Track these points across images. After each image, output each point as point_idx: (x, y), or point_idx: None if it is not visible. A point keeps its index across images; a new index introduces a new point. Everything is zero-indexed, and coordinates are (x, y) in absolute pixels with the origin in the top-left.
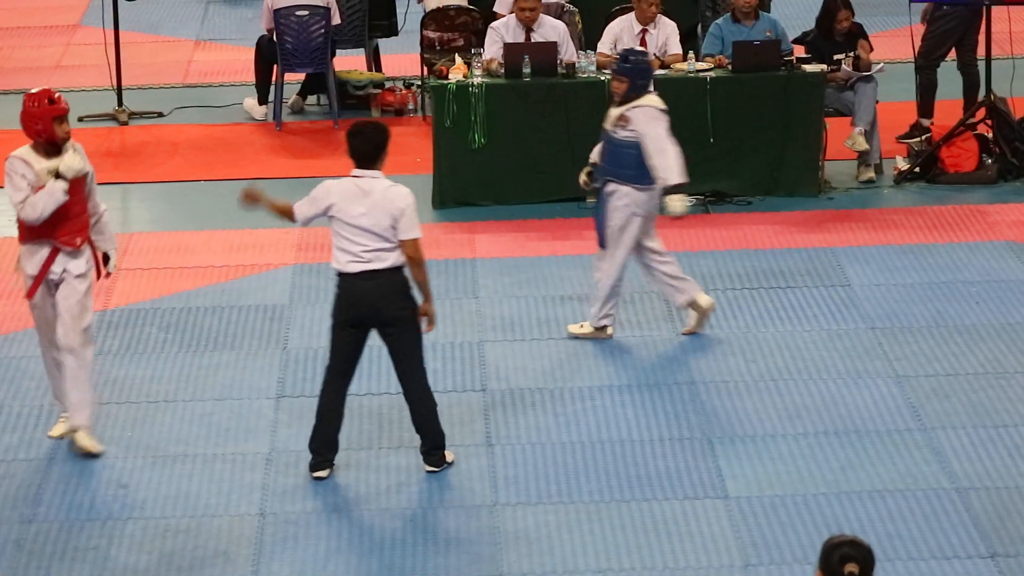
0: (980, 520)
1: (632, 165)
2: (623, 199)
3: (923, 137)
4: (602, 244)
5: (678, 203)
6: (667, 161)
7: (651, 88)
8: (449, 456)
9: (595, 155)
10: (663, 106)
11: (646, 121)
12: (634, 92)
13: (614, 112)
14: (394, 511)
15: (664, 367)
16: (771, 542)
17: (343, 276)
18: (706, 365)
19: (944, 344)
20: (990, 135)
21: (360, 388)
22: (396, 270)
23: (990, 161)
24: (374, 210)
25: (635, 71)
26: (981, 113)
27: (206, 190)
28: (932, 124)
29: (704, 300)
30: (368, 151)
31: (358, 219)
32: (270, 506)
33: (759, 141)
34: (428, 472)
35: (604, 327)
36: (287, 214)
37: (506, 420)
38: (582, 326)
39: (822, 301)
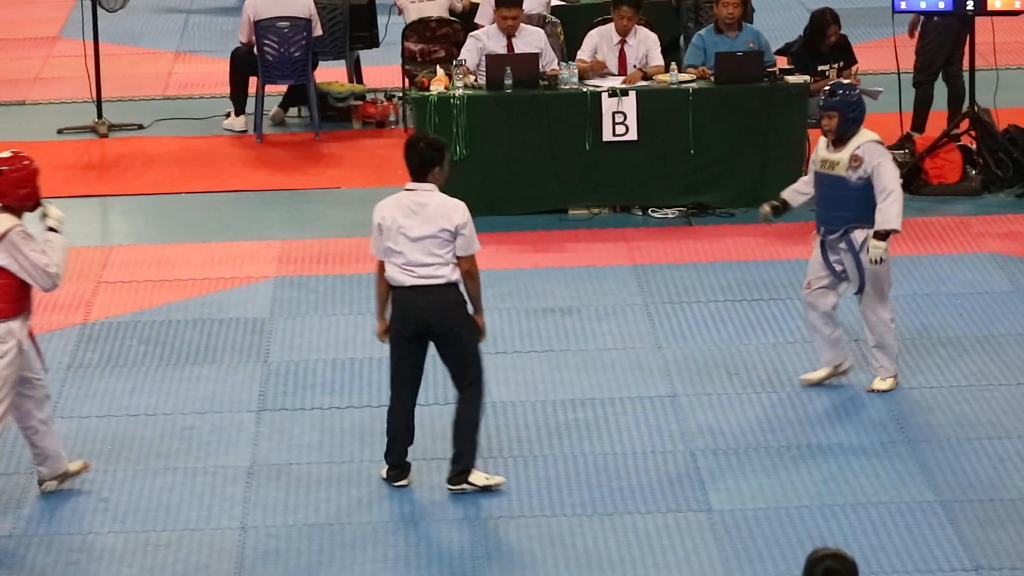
0: (964, 533)
1: (872, 206)
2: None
3: (907, 149)
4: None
5: (880, 250)
6: (896, 208)
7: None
8: (478, 479)
9: (791, 196)
10: (880, 138)
11: (878, 158)
12: (847, 128)
13: (839, 155)
14: (375, 524)
15: (646, 380)
16: (754, 555)
17: (399, 290)
18: (688, 377)
19: (928, 356)
20: (974, 146)
21: (342, 402)
22: (452, 285)
23: (974, 172)
24: (428, 224)
25: (844, 104)
26: (965, 124)
27: (186, 203)
28: (917, 136)
29: (846, 366)
30: (422, 165)
31: (412, 232)
32: (251, 519)
33: (742, 153)
34: (449, 491)
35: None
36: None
37: (488, 433)
38: (883, 380)
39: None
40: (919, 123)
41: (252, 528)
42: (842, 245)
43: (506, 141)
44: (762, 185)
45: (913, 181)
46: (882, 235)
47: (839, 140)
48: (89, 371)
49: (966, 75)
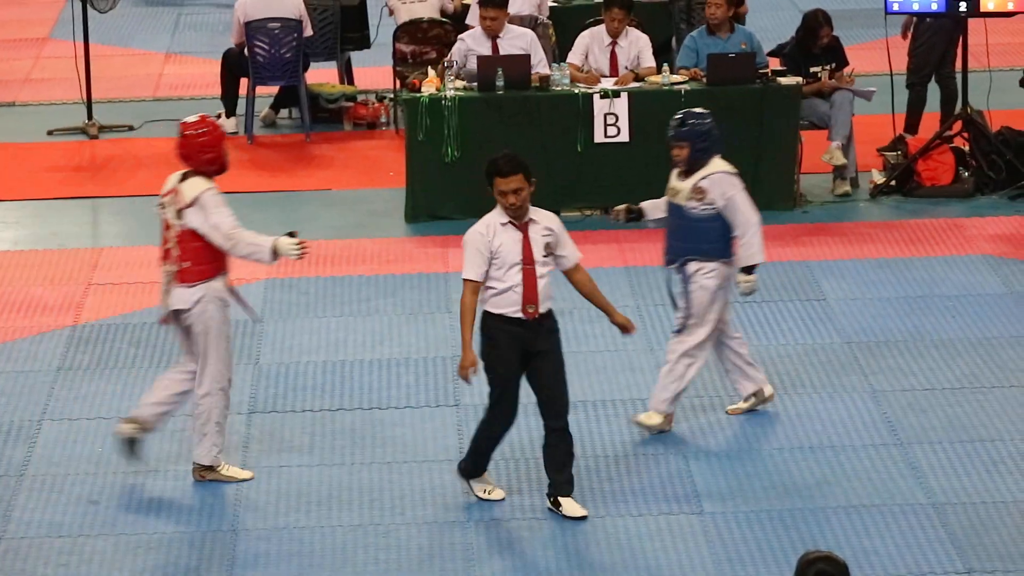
0: (957, 536)
1: (715, 239)
2: (712, 277)
3: (899, 151)
4: (681, 328)
5: (751, 284)
6: (758, 239)
7: (718, 150)
8: (570, 508)
9: (650, 207)
10: (734, 169)
11: (730, 191)
12: (697, 158)
13: (682, 184)
14: (367, 527)
15: (638, 381)
16: (746, 558)
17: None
18: None
19: (920, 358)
20: (967, 148)
21: (333, 404)
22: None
23: (967, 174)
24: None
25: (693, 135)
26: (958, 126)
27: None
28: (910, 138)
29: (768, 391)
30: None
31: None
32: (242, 522)
33: (734, 155)
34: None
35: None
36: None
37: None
38: (649, 416)
39: (797, 315)
40: (912, 125)
41: (243, 530)
42: (678, 276)
43: (498, 142)
44: (755, 186)
45: (906, 183)
46: (748, 269)
47: (688, 170)
48: (79, 373)
49: (959, 77)
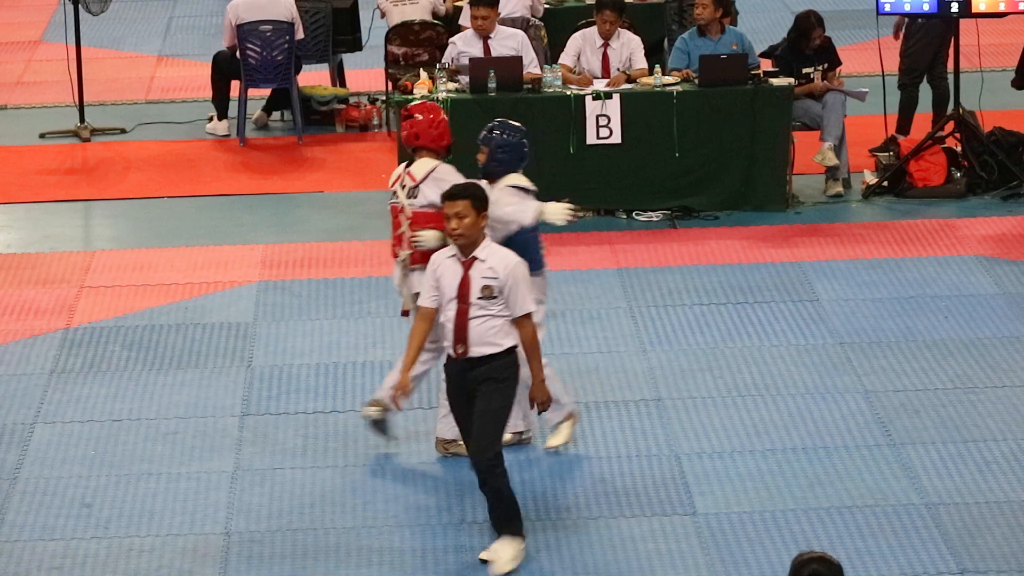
0: (950, 536)
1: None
2: None
3: (891, 151)
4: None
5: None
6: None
7: (516, 166)
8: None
9: None
10: (526, 185)
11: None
12: (492, 168)
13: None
14: (359, 529)
15: (631, 383)
16: (740, 559)
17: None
18: (673, 381)
19: (913, 359)
20: (959, 149)
21: (326, 406)
22: None
23: (959, 175)
24: None
25: (494, 142)
26: (950, 127)
27: (169, 207)
28: (902, 139)
29: (575, 416)
30: None
31: None
32: (235, 525)
33: (726, 156)
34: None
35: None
36: None
37: None
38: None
39: (790, 316)
40: (904, 125)
41: (236, 533)
42: None
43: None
44: (747, 188)
45: (898, 184)
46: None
47: (486, 178)
48: (72, 376)
49: (951, 77)
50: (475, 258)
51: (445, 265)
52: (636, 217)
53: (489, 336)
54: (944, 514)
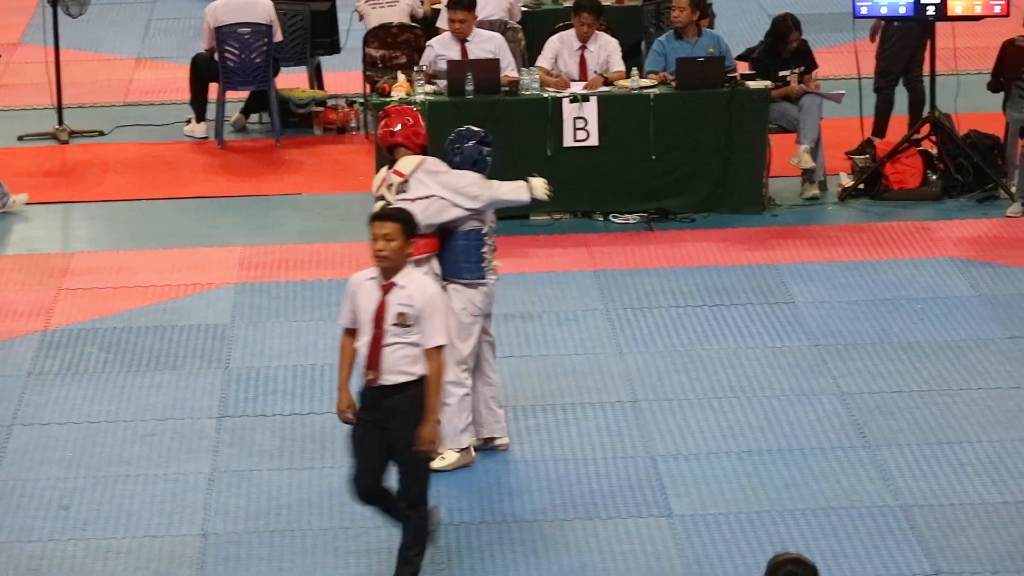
0: (924, 537)
1: (455, 258)
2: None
3: (867, 154)
4: None
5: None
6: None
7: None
8: None
9: None
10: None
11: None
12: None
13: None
14: (335, 530)
15: (607, 385)
16: (715, 560)
17: None
18: (649, 383)
19: (888, 361)
20: (935, 151)
21: (303, 408)
22: None
23: (934, 177)
24: None
25: (448, 144)
26: (925, 129)
27: (147, 209)
28: (878, 141)
29: (503, 443)
30: None
31: None
32: (212, 526)
33: (703, 158)
34: None
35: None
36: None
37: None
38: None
39: (766, 318)
40: (880, 128)
41: (213, 535)
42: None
43: None
44: (724, 190)
45: (874, 186)
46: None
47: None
48: (50, 378)
49: (927, 80)
50: (394, 284)
51: (364, 287)
52: (613, 219)
53: (402, 364)
54: (919, 515)
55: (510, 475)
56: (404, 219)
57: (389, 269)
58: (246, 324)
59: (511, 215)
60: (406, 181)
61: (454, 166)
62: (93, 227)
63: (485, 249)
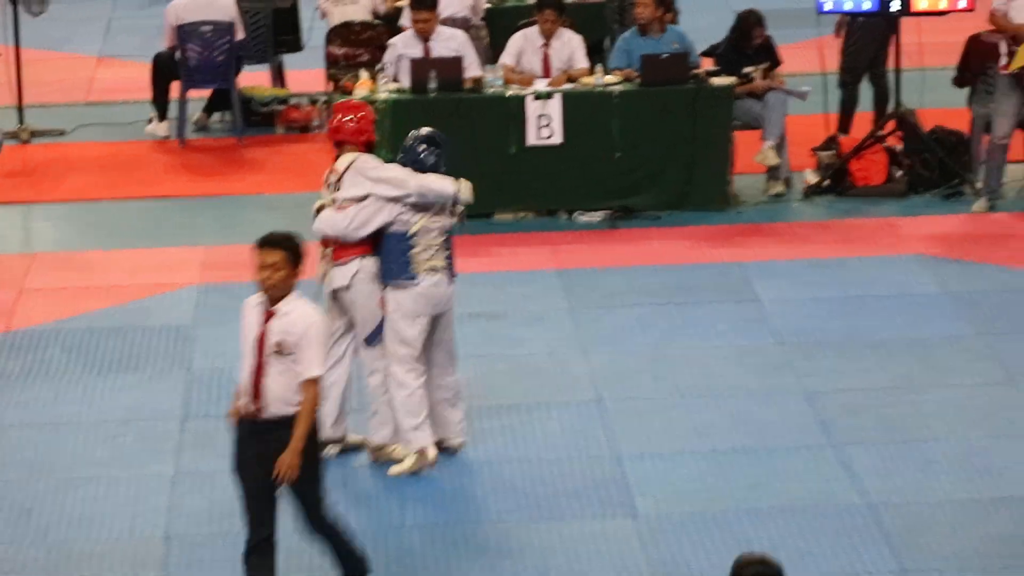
0: (891, 536)
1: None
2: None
3: (832, 150)
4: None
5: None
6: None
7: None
8: None
9: None
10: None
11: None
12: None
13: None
14: (300, 532)
15: (572, 384)
16: (681, 560)
17: None
18: (615, 382)
19: (855, 359)
20: (900, 147)
21: None
22: None
23: (900, 174)
24: None
25: (403, 144)
26: (891, 125)
27: (110, 209)
28: (843, 137)
29: (454, 444)
30: None
31: None
32: (176, 529)
33: (667, 156)
34: None
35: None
36: None
37: None
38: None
39: (731, 316)
40: (845, 124)
41: (177, 537)
42: None
43: None
44: (689, 187)
45: (839, 182)
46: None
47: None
48: (11, 380)
49: (892, 76)
50: (277, 311)
51: (250, 314)
52: (577, 218)
53: (286, 395)
54: (885, 514)
55: (474, 476)
56: (291, 247)
57: (274, 297)
58: (209, 325)
59: (474, 213)
60: (340, 178)
61: (402, 164)
62: (55, 227)
63: (416, 250)
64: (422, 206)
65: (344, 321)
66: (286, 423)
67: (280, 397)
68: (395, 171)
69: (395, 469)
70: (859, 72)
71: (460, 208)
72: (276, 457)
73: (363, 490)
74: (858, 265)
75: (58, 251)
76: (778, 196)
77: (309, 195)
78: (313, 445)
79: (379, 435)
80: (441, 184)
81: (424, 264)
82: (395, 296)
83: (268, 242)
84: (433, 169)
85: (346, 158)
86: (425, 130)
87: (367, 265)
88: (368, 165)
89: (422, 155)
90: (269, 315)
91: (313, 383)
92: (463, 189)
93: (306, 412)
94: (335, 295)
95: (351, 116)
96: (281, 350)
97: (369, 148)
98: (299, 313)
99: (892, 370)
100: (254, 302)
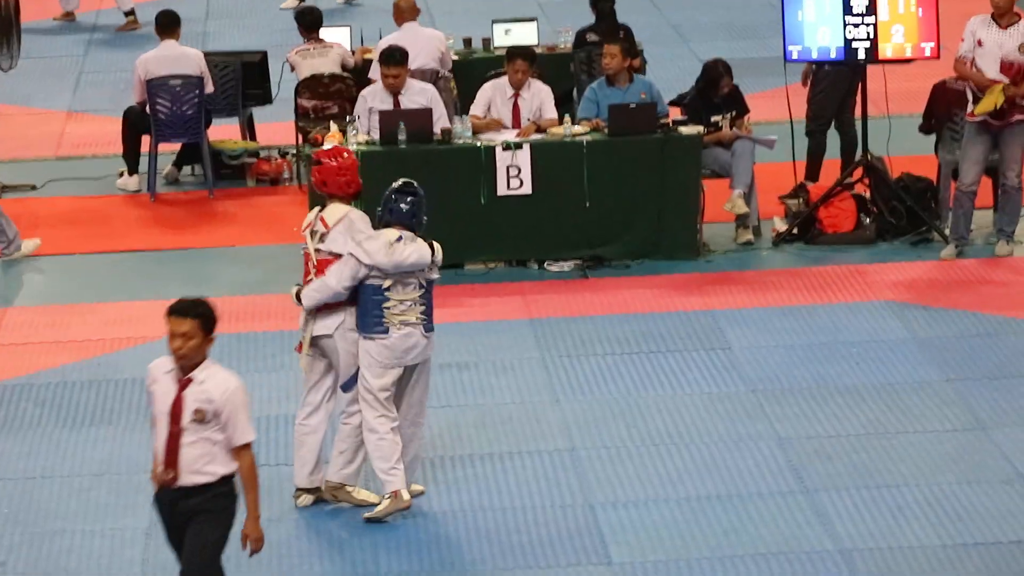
0: None
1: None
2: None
3: (801, 198)
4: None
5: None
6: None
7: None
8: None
9: None
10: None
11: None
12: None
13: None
14: None
15: (544, 433)
16: None
17: None
18: (587, 430)
19: (825, 405)
20: (868, 195)
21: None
22: None
23: (868, 221)
24: None
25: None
26: (858, 173)
27: (81, 263)
28: (811, 185)
29: (406, 497)
30: None
31: None
32: None
33: (637, 205)
34: None
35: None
36: None
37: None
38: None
39: (703, 364)
40: (813, 172)
41: None
42: None
43: None
44: (658, 236)
45: (807, 230)
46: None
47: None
48: None
49: (859, 123)
50: (192, 379)
51: (161, 381)
52: (548, 267)
53: (201, 464)
54: (858, 559)
55: (447, 525)
56: (203, 315)
57: (187, 365)
58: None
59: (445, 264)
60: (327, 232)
61: (381, 218)
62: (26, 282)
63: (389, 304)
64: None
65: (322, 368)
66: (199, 491)
67: (194, 466)
68: (377, 245)
69: (370, 513)
70: (826, 120)
71: (437, 263)
72: (184, 526)
73: (336, 537)
74: (827, 312)
75: (30, 305)
76: (747, 244)
77: (280, 247)
78: (232, 504)
79: (339, 474)
80: (418, 255)
81: (397, 317)
82: (366, 346)
83: (179, 311)
84: (408, 218)
85: (337, 211)
86: (400, 181)
87: (350, 315)
88: (357, 228)
89: (398, 205)
90: (184, 383)
91: (247, 448)
92: (438, 252)
93: (249, 478)
94: (315, 342)
95: (337, 166)
96: (200, 418)
97: (356, 198)
98: (217, 380)
99: (862, 416)
100: (163, 368)
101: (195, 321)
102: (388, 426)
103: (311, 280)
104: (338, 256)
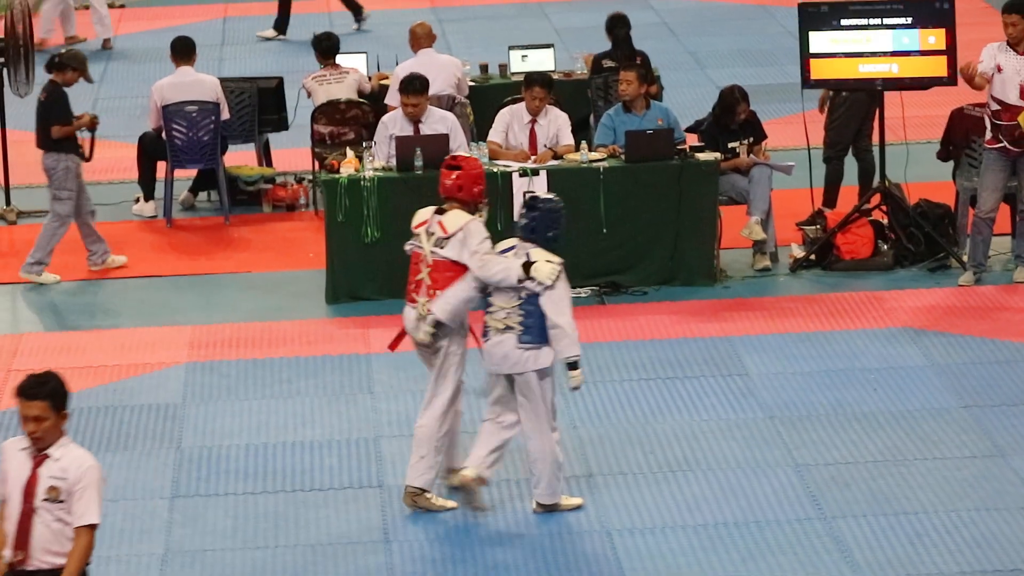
0: None
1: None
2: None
3: (818, 225)
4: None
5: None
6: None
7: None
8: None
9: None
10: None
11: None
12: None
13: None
14: None
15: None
16: None
17: None
18: (604, 456)
19: (843, 432)
20: (885, 221)
21: (255, 487)
22: None
23: (885, 247)
24: None
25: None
26: (876, 199)
27: (96, 288)
28: (828, 212)
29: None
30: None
31: None
32: None
33: (654, 231)
34: None
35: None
36: None
37: (404, 516)
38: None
39: (720, 390)
40: (830, 198)
41: None
42: None
43: None
44: (675, 263)
45: (825, 257)
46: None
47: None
48: None
49: (876, 150)
50: (47, 455)
51: (15, 459)
52: None
53: (55, 545)
54: None
55: (465, 550)
56: (52, 393)
57: (42, 443)
58: (197, 403)
59: None
60: (447, 238)
61: (529, 230)
62: (42, 307)
63: (492, 309)
64: None
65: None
66: (49, 575)
67: (47, 547)
68: (480, 253)
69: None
70: (844, 147)
71: (537, 281)
72: None
73: (351, 567)
74: (845, 338)
75: (46, 331)
76: (765, 270)
77: (295, 273)
78: None
79: (420, 479)
80: (504, 272)
81: (495, 324)
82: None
83: (26, 393)
84: (528, 232)
85: (459, 218)
86: (530, 194)
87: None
88: (474, 238)
89: (521, 218)
90: (39, 460)
91: (89, 531)
92: (538, 272)
93: (76, 558)
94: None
95: (474, 173)
96: (54, 496)
97: (477, 206)
98: (72, 457)
99: (880, 442)
100: (17, 446)
101: (44, 403)
102: (484, 423)
103: (421, 279)
104: (455, 262)
